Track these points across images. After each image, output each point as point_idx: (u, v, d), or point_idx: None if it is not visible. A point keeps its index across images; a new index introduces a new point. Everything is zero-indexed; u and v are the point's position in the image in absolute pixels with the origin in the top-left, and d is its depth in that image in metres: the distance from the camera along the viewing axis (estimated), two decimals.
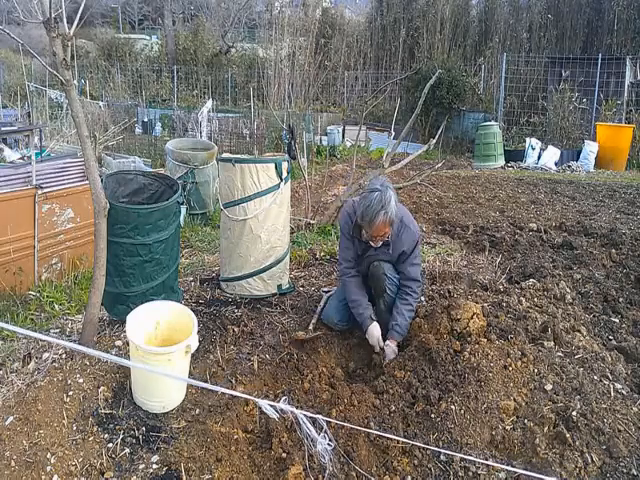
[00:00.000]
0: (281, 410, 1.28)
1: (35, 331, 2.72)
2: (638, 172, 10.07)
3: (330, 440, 1.35)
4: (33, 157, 4.99)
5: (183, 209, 3.07)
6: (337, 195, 6.46)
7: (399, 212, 2.76)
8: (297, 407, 2.28)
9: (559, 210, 6.30)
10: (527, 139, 10.83)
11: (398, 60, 16.80)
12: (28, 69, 13.91)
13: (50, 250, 3.65)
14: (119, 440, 2.12)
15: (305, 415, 1.26)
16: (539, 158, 10.44)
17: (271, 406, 1.26)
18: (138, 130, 13.62)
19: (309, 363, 2.68)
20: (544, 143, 10.91)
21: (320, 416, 1.34)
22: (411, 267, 2.88)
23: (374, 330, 2.83)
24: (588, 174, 9.60)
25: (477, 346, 2.53)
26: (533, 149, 10.47)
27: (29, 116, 8.83)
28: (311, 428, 1.27)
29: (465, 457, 1.94)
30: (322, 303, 3.27)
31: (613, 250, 4.35)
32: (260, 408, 2.29)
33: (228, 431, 2.16)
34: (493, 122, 11.37)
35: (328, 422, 1.45)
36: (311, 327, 3.03)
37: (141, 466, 2.03)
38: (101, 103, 13.18)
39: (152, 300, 2.68)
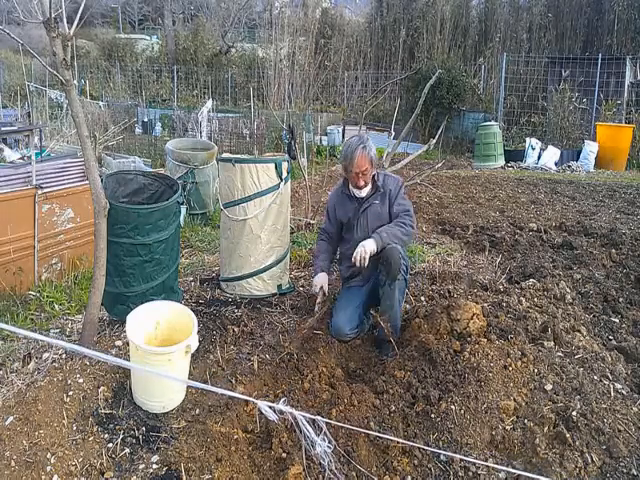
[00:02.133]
0: (280, 411, 1.28)
1: (35, 331, 2.73)
2: (638, 172, 10.07)
3: (329, 442, 1.34)
4: (33, 157, 4.99)
5: (183, 209, 3.07)
6: None
7: (383, 173, 3.06)
8: (297, 407, 2.28)
9: (559, 210, 6.30)
10: (527, 139, 10.83)
11: (398, 60, 16.81)
12: (28, 69, 13.91)
13: (50, 250, 3.65)
14: (119, 440, 2.12)
15: (304, 417, 1.26)
16: (539, 158, 10.44)
17: (270, 407, 1.26)
18: (138, 130, 13.61)
19: (309, 363, 2.68)
20: (544, 143, 10.91)
21: (319, 417, 1.33)
22: (399, 205, 2.99)
23: (318, 278, 3.06)
24: (588, 174, 9.60)
25: (477, 346, 2.53)
26: (533, 149, 10.47)
27: (29, 116, 8.83)
28: (310, 430, 1.27)
29: (464, 458, 1.94)
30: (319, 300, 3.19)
31: (613, 250, 4.35)
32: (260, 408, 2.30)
33: (228, 431, 2.16)
34: (493, 122, 11.37)
35: (328, 423, 1.45)
36: (317, 308, 3.07)
37: (141, 466, 2.03)
38: (101, 103, 13.18)
39: (152, 300, 2.69)
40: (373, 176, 3.01)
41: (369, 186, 2.99)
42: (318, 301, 3.08)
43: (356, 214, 3.04)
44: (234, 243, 3.42)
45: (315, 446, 1.31)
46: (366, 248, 2.79)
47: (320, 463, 1.97)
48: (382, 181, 3.01)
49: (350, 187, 3.03)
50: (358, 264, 2.81)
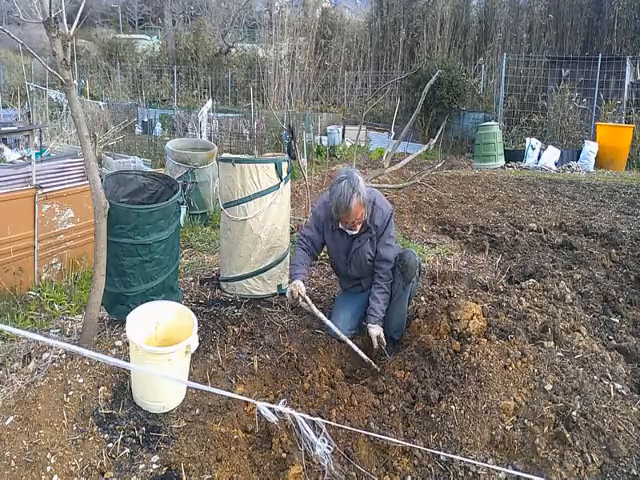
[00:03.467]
0: (280, 412, 1.28)
1: (35, 331, 2.73)
2: (638, 172, 10.07)
3: (329, 443, 1.34)
4: (33, 157, 4.99)
5: (183, 209, 3.07)
6: None
7: (371, 194, 2.86)
8: (297, 407, 2.28)
9: (559, 210, 6.30)
10: (527, 139, 10.82)
11: (398, 60, 16.81)
12: (28, 69, 13.90)
13: (50, 250, 3.64)
14: (119, 440, 2.12)
15: (304, 418, 1.26)
16: (539, 158, 10.44)
17: (270, 409, 1.26)
18: (138, 130, 13.61)
19: (309, 363, 2.68)
20: (544, 143, 10.91)
21: (319, 419, 1.33)
22: (384, 247, 2.91)
23: (296, 286, 2.85)
24: (588, 174, 9.60)
25: (477, 346, 2.53)
26: (533, 149, 10.46)
27: (29, 116, 8.83)
28: (310, 431, 1.27)
29: (463, 459, 1.94)
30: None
31: (613, 250, 4.35)
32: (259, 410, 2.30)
33: (228, 431, 2.16)
34: (493, 122, 11.36)
35: (327, 424, 1.45)
36: (305, 306, 3.01)
37: (141, 466, 2.03)
38: (101, 103, 13.18)
39: (152, 300, 2.69)
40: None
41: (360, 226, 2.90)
42: (303, 305, 3.00)
43: (348, 253, 2.99)
44: (234, 243, 3.42)
45: (315, 447, 1.31)
46: (382, 336, 2.87)
47: (320, 463, 1.97)
48: (370, 217, 2.87)
49: (342, 226, 2.91)
50: (380, 346, 2.88)
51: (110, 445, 2.10)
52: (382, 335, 2.88)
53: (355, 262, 3.00)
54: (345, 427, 1.97)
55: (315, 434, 1.30)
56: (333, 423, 2.00)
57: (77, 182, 4.54)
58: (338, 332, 2.84)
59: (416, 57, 16.44)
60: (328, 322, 2.88)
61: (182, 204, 3.03)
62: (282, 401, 1.34)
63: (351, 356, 2.92)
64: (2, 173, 4.45)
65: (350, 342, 2.81)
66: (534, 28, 15.33)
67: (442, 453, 2.03)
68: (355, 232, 2.89)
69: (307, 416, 1.30)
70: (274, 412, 1.28)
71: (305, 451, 1.99)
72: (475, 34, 16.32)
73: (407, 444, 2.05)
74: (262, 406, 1.24)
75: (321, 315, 2.89)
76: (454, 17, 16.18)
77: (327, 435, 1.35)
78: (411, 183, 6.10)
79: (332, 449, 1.40)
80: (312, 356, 2.74)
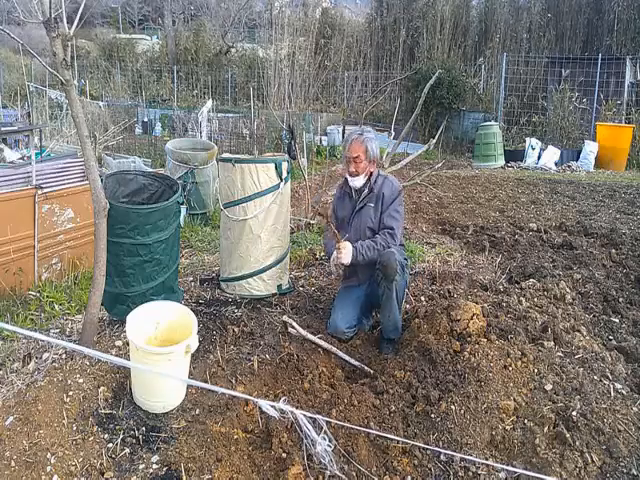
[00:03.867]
0: (280, 410, 1.28)
1: (35, 331, 2.72)
2: (638, 172, 10.07)
3: (330, 441, 1.34)
4: (33, 157, 4.99)
5: (183, 209, 3.07)
6: None
7: (385, 175, 3.09)
8: (297, 407, 2.28)
9: (559, 210, 6.30)
10: (527, 139, 10.83)
11: (398, 60, 16.80)
12: (28, 69, 13.89)
13: (50, 250, 3.64)
14: (119, 440, 2.12)
15: (305, 415, 1.26)
16: (539, 158, 10.44)
17: (270, 406, 1.26)
18: (138, 130, 13.61)
19: (309, 363, 2.68)
20: (544, 143, 10.91)
21: (320, 416, 1.33)
22: (388, 218, 2.98)
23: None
24: (588, 174, 9.60)
25: (477, 346, 2.53)
26: (533, 149, 10.46)
27: (29, 116, 8.82)
28: (311, 429, 1.27)
29: (465, 457, 1.94)
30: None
31: (613, 250, 4.35)
32: (260, 408, 2.30)
33: (228, 431, 2.16)
34: (493, 122, 11.37)
35: (328, 422, 1.45)
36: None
37: (141, 466, 2.03)
38: (101, 103, 13.17)
39: (152, 300, 2.69)
40: (370, 175, 3.03)
41: (362, 179, 3.02)
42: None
43: (351, 213, 3.10)
44: (234, 243, 3.42)
45: (316, 445, 1.31)
46: (343, 260, 2.91)
47: (320, 463, 1.97)
48: (379, 183, 3.03)
49: (347, 178, 3.08)
50: (333, 269, 3.05)
51: (110, 445, 2.10)
52: (342, 258, 2.89)
53: (355, 224, 3.07)
54: (346, 424, 1.97)
55: (316, 432, 1.30)
56: (333, 420, 2.00)
57: (77, 182, 4.54)
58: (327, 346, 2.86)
59: (416, 57, 16.44)
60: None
61: (182, 204, 3.03)
62: (283, 399, 1.34)
63: (352, 355, 2.91)
64: (2, 173, 4.45)
65: (339, 352, 2.82)
66: (534, 28, 15.33)
67: (442, 450, 2.03)
68: (355, 183, 3.02)
69: (308, 413, 1.30)
70: (275, 408, 1.28)
71: (305, 451, 1.99)
72: (475, 34, 16.32)
73: (407, 441, 2.05)
74: (263, 402, 1.24)
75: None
76: (454, 17, 16.17)
77: (328, 433, 1.35)
78: (411, 183, 6.09)
79: (333, 447, 1.40)
80: (312, 356, 2.74)
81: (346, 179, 3.12)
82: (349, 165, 3.01)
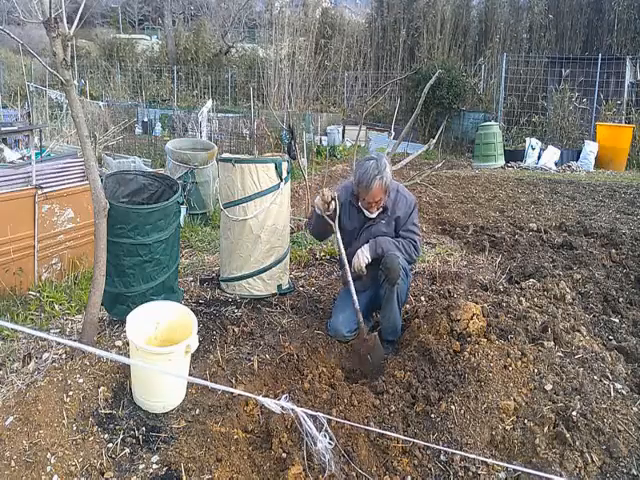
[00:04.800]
0: (282, 408, 1.28)
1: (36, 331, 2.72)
2: (638, 172, 10.07)
3: (331, 438, 1.35)
4: (33, 157, 4.99)
5: (183, 209, 3.07)
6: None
7: (395, 184, 2.92)
8: (297, 407, 2.28)
9: (559, 210, 6.30)
10: (527, 139, 10.82)
11: (398, 60, 16.80)
12: (28, 69, 13.89)
13: (50, 250, 3.64)
14: (119, 440, 2.12)
15: (305, 413, 1.26)
16: (539, 158, 10.44)
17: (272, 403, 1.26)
18: (138, 130, 13.61)
19: (309, 363, 2.68)
20: (544, 143, 10.91)
21: (320, 414, 1.34)
22: (407, 231, 2.95)
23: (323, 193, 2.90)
24: (588, 174, 9.60)
25: (477, 346, 2.53)
26: (533, 149, 10.46)
27: (29, 116, 8.82)
28: (311, 426, 1.27)
29: (467, 455, 1.94)
30: None
31: (613, 250, 4.34)
32: (260, 407, 2.30)
33: (228, 431, 2.16)
34: (493, 122, 11.37)
35: (329, 420, 1.45)
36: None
37: (141, 466, 2.03)
38: (101, 103, 13.17)
39: (152, 300, 2.69)
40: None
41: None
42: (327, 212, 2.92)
43: (360, 228, 3.00)
44: (234, 243, 3.42)
45: (317, 442, 1.31)
46: (361, 258, 2.87)
47: (320, 461, 1.97)
48: (392, 204, 2.91)
49: (360, 203, 2.93)
50: (355, 270, 2.91)
51: (110, 445, 2.10)
52: (361, 259, 2.85)
53: (362, 238, 2.97)
54: (347, 422, 1.97)
55: (316, 429, 1.30)
56: (334, 418, 2.00)
57: (77, 182, 4.54)
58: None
59: (416, 57, 16.43)
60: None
61: (182, 204, 3.03)
62: (284, 397, 1.34)
63: (351, 356, 2.92)
64: (2, 173, 4.45)
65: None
66: (534, 28, 15.32)
67: (442, 448, 2.03)
68: (372, 215, 2.91)
69: (309, 411, 1.30)
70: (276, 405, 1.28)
71: (305, 451, 1.99)
72: (475, 34, 16.31)
73: (407, 439, 2.04)
74: (264, 399, 1.24)
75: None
76: (454, 17, 16.17)
77: (328, 430, 1.35)
78: (411, 183, 6.09)
79: (333, 445, 1.40)
80: (312, 356, 2.74)
81: (353, 193, 2.94)
82: (370, 207, 2.87)
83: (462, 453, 1.99)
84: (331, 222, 2.92)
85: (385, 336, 2.95)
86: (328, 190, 2.90)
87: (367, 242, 2.94)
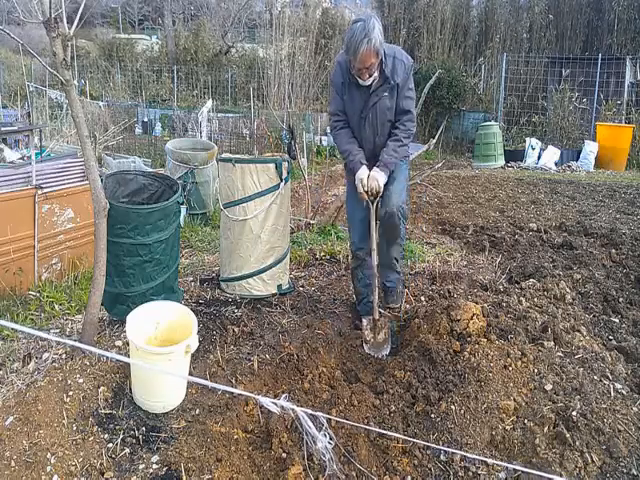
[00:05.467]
0: (281, 407, 1.28)
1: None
2: (638, 172, 10.06)
3: (331, 438, 1.35)
4: (33, 157, 4.98)
5: (183, 209, 3.07)
6: (337, 195, 6.47)
7: (391, 49, 2.74)
8: (297, 407, 2.28)
9: (559, 210, 6.30)
10: (527, 139, 10.83)
11: None
12: (28, 69, 13.90)
13: (50, 250, 3.64)
14: (119, 440, 2.12)
15: (305, 412, 1.26)
16: (539, 158, 10.44)
17: (271, 402, 1.26)
18: (138, 130, 13.61)
19: (309, 363, 2.68)
20: (544, 143, 10.91)
21: (321, 413, 1.34)
22: (404, 100, 2.79)
23: (362, 172, 2.84)
24: (588, 174, 9.60)
25: (477, 346, 2.53)
26: (533, 149, 10.46)
27: (29, 116, 8.82)
28: (311, 425, 1.27)
29: (466, 455, 1.94)
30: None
31: (613, 250, 4.35)
32: (260, 407, 2.30)
33: (228, 431, 2.16)
34: (493, 122, 11.37)
35: (329, 420, 1.45)
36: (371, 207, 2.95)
37: (141, 466, 2.03)
38: (101, 103, 13.17)
39: (152, 300, 2.69)
40: (380, 62, 2.68)
41: (375, 74, 2.70)
42: (359, 191, 2.87)
43: (364, 108, 2.81)
44: (234, 243, 3.42)
45: (316, 441, 1.31)
46: (380, 182, 2.79)
47: (320, 463, 1.97)
48: (389, 66, 2.70)
49: (353, 72, 2.73)
50: (373, 193, 2.82)
51: (110, 445, 2.10)
52: (379, 182, 2.78)
53: (370, 119, 2.82)
54: (347, 422, 1.97)
55: (316, 429, 1.30)
56: (334, 417, 2.00)
57: (77, 182, 4.54)
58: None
59: (416, 57, 16.43)
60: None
61: (182, 204, 3.03)
62: (283, 396, 1.34)
63: (351, 356, 2.92)
64: (2, 173, 4.45)
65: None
66: (534, 28, 15.32)
67: (442, 448, 2.03)
68: (366, 83, 2.72)
69: (309, 410, 1.30)
70: (276, 405, 1.28)
71: (305, 451, 1.99)
72: (475, 34, 16.31)
73: (407, 438, 2.04)
74: (264, 399, 1.24)
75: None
76: (454, 17, 16.16)
77: (328, 430, 1.35)
78: (411, 183, 6.09)
79: (333, 444, 1.40)
80: (312, 356, 2.74)
81: (348, 67, 2.74)
82: (361, 73, 2.65)
83: (462, 453, 1.99)
84: (371, 206, 2.90)
85: (383, 277, 3.05)
86: (364, 176, 2.81)
87: (376, 130, 2.85)
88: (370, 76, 2.67)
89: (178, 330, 2.43)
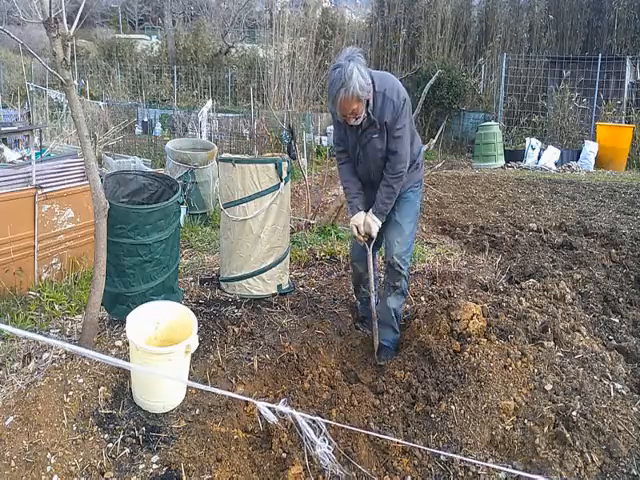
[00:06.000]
0: (280, 412, 1.28)
1: (35, 331, 2.73)
2: (638, 172, 10.06)
3: (329, 443, 1.34)
4: (33, 157, 4.98)
5: (183, 209, 3.07)
6: (337, 195, 6.46)
7: (382, 83, 2.58)
8: (297, 407, 2.28)
9: (559, 210, 6.30)
10: (527, 139, 10.82)
11: (398, 60, 16.79)
12: (28, 69, 13.90)
13: (50, 250, 3.64)
14: (119, 440, 2.12)
15: (304, 417, 1.26)
16: (539, 158, 10.43)
17: (270, 408, 1.25)
18: (138, 130, 13.61)
19: (309, 363, 2.68)
20: (544, 143, 10.91)
21: (319, 418, 1.33)
22: (392, 141, 2.66)
23: (357, 218, 2.84)
24: (588, 174, 9.59)
25: (477, 346, 2.53)
26: (533, 149, 10.46)
27: (29, 116, 8.82)
28: (310, 431, 1.27)
29: (463, 459, 1.94)
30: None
31: (613, 250, 4.35)
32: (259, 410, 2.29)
33: (228, 431, 2.16)
34: (493, 122, 11.36)
35: (327, 424, 1.45)
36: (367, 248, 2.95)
37: (141, 466, 2.03)
38: (101, 103, 13.17)
39: (152, 300, 2.69)
40: (367, 103, 2.57)
41: (364, 114, 2.59)
42: (354, 234, 2.91)
43: (357, 146, 2.78)
44: (234, 243, 3.42)
45: (315, 447, 1.31)
46: (372, 229, 2.78)
47: (320, 462, 1.97)
48: (379, 109, 2.59)
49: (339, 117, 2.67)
50: (371, 237, 2.83)
51: (110, 445, 2.10)
52: (371, 229, 2.77)
53: (362, 158, 2.79)
54: (345, 426, 1.97)
55: (315, 434, 1.30)
56: (333, 422, 2.00)
57: (77, 182, 4.54)
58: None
59: (416, 57, 16.43)
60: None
61: (182, 204, 3.03)
62: (282, 400, 1.34)
63: (351, 356, 2.92)
64: (2, 173, 4.45)
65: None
66: (534, 28, 15.31)
67: (442, 452, 2.03)
68: (354, 123, 2.63)
69: (307, 416, 1.30)
70: (274, 412, 1.28)
71: (305, 451, 1.99)
72: (476, 34, 16.30)
73: (407, 443, 2.04)
74: (262, 406, 1.24)
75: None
76: (455, 17, 16.15)
77: (327, 435, 1.35)
78: None
79: (332, 449, 1.40)
80: (312, 356, 2.74)
81: None
82: (346, 118, 2.58)
83: (459, 457, 1.99)
84: (367, 249, 2.91)
85: (381, 336, 2.94)
86: (359, 224, 2.83)
87: (368, 169, 2.82)
88: (357, 119, 2.59)
89: (178, 330, 2.43)
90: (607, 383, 2.33)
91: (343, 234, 4.81)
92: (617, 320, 3.16)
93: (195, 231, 5.12)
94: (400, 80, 2.82)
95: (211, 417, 2.26)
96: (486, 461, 2.02)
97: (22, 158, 6.31)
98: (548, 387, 2.28)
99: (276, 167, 3.32)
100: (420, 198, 3.04)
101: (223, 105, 16.80)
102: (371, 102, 2.56)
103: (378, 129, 2.64)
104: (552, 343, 2.61)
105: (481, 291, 3.50)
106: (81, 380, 2.36)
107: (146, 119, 13.87)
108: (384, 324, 2.93)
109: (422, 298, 3.45)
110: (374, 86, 2.55)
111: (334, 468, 1.69)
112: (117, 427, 2.19)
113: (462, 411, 2.20)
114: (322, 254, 4.35)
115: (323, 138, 12.38)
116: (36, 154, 5.71)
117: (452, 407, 2.22)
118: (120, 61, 19.44)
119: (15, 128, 6.70)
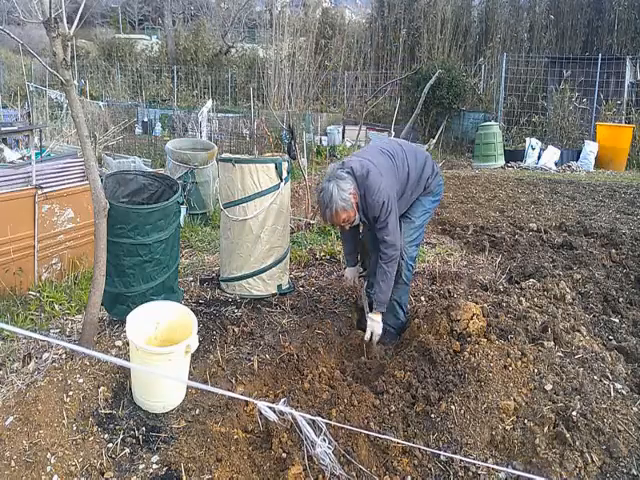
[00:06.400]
0: (280, 412, 1.28)
1: (35, 331, 2.73)
2: (638, 172, 10.06)
3: (329, 442, 1.34)
4: (33, 157, 4.98)
5: (183, 209, 3.07)
6: None
7: (362, 185, 2.74)
8: (297, 407, 2.28)
9: (559, 210, 6.30)
10: (527, 139, 10.82)
11: (398, 60, 16.79)
12: (28, 69, 13.90)
13: (50, 250, 3.64)
14: (119, 440, 2.12)
15: (304, 417, 1.26)
16: (539, 158, 10.43)
17: (270, 408, 1.26)
18: (138, 130, 13.61)
19: (309, 363, 2.68)
20: (544, 143, 10.90)
21: (319, 418, 1.33)
22: (378, 231, 2.84)
23: (348, 272, 3.31)
24: (588, 174, 9.59)
25: (477, 346, 2.53)
26: (533, 149, 10.46)
27: (29, 116, 8.82)
28: (310, 431, 1.27)
29: (463, 459, 1.94)
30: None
31: (613, 250, 4.34)
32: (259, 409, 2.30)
33: (228, 431, 2.16)
34: (493, 122, 11.36)
35: (327, 424, 1.45)
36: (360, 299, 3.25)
37: (141, 466, 2.03)
38: (101, 103, 13.17)
39: (152, 300, 2.69)
40: (357, 205, 2.81)
41: (357, 217, 2.85)
42: (359, 293, 3.32)
43: (359, 233, 3.21)
44: (234, 243, 3.42)
45: (315, 447, 1.31)
46: (376, 331, 2.90)
47: (320, 462, 1.97)
48: (362, 211, 2.82)
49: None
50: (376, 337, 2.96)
51: (110, 445, 2.10)
52: (378, 329, 2.89)
53: (365, 241, 3.21)
54: (345, 426, 1.97)
55: (315, 433, 1.30)
56: (333, 422, 2.00)
57: (77, 182, 4.54)
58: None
59: (416, 57, 16.43)
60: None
61: (182, 204, 3.03)
62: (282, 400, 1.34)
63: (351, 356, 2.92)
64: (2, 173, 4.45)
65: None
66: (534, 28, 15.31)
67: (442, 452, 2.03)
68: (351, 227, 2.96)
69: (307, 415, 1.30)
70: (274, 411, 1.28)
71: (305, 451, 1.99)
72: (476, 34, 16.30)
73: (407, 443, 2.04)
74: (262, 405, 1.24)
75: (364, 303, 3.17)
76: (455, 17, 16.15)
77: (327, 435, 1.35)
78: None
79: (332, 448, 1.40)
80: (312, 356, 2.74)
81: None
82: (339, 226, 2.94)
83: (459, 457, 1.99)
84: (363, 300, 3.21)
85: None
86: (350, 278, 3.30)
87: (367, 252, 3.22)
88: (352, 223, 2.86)
89: (178, 330, 2.43)
90: (607, 383, 2.33)
91: None
92: (617, 320, 3.16)
93: (195, 231, 5.12)
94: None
95: (211, 417, 2.26)
96: (486, 461, 2.02)
97: (22, 158, 6.32)
98: (548, 387, 2.28)
99: (276, 167, 3.32)
100: (434, 208, 3.26)
101: (223, 105, 16.80)
102: (359, 203, 2.80)
103: (369, 225, 2.96)
104: (552, 343, 2.61)
105: (481, 291, 3.50)
106: (81, 380, 2.36)
107: (146, 119, 13.88)
108: (388, 310, 3.04)
109: (422, 298, 3.45)
110: (359, 189, 2.75)
111: (334, 468, 1.69)
112: (117, 427, 2.19)
113: (462, 411, 2.20)
114: (322, 254, 4.36)
115: (323, 138, 12.38)
116: (36, 154, 5.71)
117: (452, 407, 2.22)
118: (120, 61, 19.44)
119: (15, 128, 6.70)
